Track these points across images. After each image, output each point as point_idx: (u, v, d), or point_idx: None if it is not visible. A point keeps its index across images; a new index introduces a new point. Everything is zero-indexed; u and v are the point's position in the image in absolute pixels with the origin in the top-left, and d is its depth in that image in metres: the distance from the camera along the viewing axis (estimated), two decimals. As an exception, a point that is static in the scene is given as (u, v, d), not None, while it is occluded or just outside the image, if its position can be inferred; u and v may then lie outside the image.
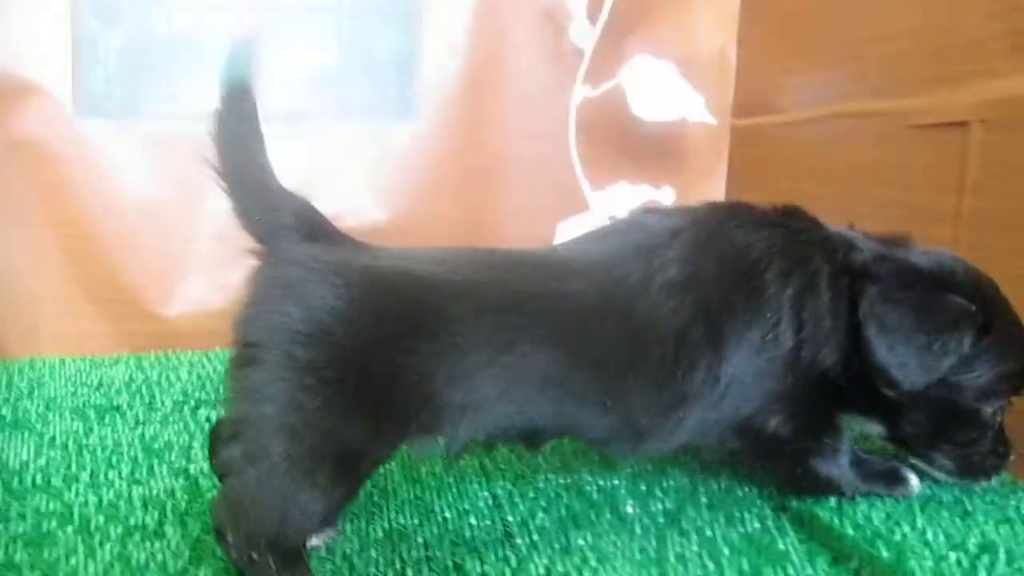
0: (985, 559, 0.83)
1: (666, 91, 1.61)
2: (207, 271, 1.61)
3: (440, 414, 0.83)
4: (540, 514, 0.96)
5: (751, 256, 0.91)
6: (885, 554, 0.84)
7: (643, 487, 1.05)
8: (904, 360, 0.88)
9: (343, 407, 0.78)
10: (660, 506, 1.00)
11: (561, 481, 1.06)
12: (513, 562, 0.86)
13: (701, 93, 1.66)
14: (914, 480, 0.98)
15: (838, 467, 0.96)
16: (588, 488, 1.04)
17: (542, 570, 0.84)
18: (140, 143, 1.58)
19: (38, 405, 1.29)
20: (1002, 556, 0.83)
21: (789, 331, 0.90)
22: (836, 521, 0.91)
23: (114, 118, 1.57)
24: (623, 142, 1.73)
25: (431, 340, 0.81)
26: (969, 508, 0.96)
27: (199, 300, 1.61)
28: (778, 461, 0.98)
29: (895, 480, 0.98)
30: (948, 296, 0.90)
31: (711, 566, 0.86)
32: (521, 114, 1.72)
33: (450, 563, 0.85)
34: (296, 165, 1.64)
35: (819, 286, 0.91)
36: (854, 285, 0.91)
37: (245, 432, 0.77)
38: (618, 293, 0.89)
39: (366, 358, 0.79)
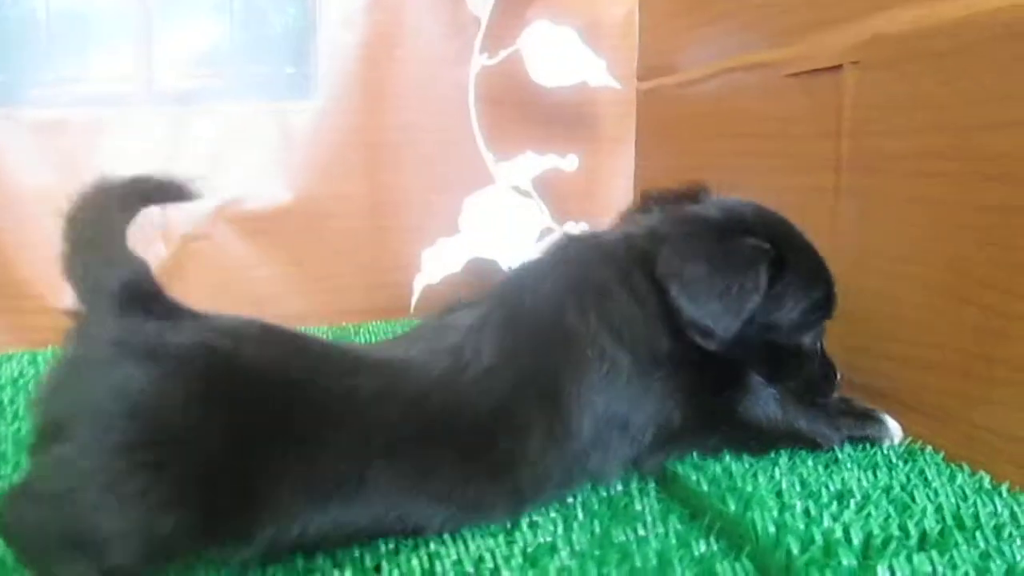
0: (834, 506, 0.81)
1: (565, 56, 1.58)
2: (103, 261, 1.57)
3: (257, 514, 0.75)
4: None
5: (549, 314, 0.89)
6: (732, 507, 0.81)
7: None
8: (709, 310, 0.87)
9: (157, 496, 0.70)
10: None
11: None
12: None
13: (604, 58, 1.62)
14: (891, 422, 0.99)
15: (769, 411, 0.95)
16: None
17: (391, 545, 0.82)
18: (27, 130, 1.54)
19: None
20: (853, 503, 0.81)
21: (616, 349, 0.88)
22: (694, 478, 0.89)
23: (1, 103, 1.53)
24: (526, 111, 1.70)
25: (235, 436, 0.74)
26: (839, 456, 0.94)
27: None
28: (712, 438, 0.96)
29: (867, 419, 0.99)
30: (737, 239, 0.90)
31: (560, 530, 0.84)
32: (422, 87, 1.69)
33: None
34: (194, 147, 1.64)
35: (611, 291, 0.90)
36: (647, 259, 0.90)
37: (54, 504, 0.70)
38: (410, 382, 0.84)
39: (180, 445, 0.72)
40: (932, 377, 0.99)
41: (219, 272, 1.65)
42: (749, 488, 0.85)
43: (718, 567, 0.74)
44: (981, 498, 0.82)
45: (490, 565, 0.78)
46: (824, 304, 0.96)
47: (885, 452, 0.95)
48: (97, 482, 0.69)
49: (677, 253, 0.89)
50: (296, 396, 0.78)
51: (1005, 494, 0.83)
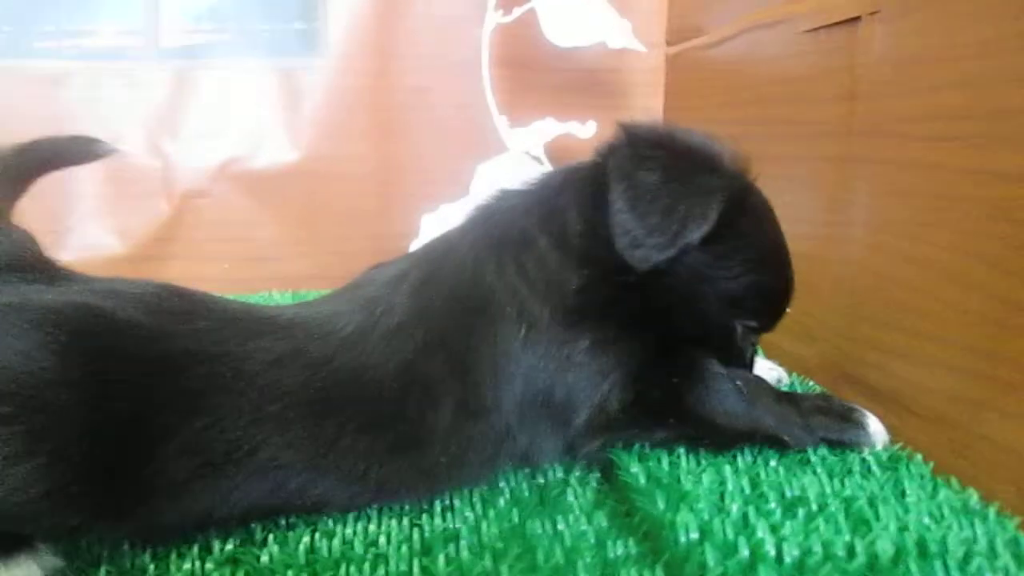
0: (778, 515, 0.69)
1: (584, 15, 1.47)
2: (102, 215, 1.56)
3: (133, 487, 0.68)
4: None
5: (467, 270, 0.81)
6: (661, 506, 0.71)
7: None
8: (648, 222, 0.77)
9: (15, 448, 0.64)
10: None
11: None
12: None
13: (629, 19, 1.51)
14: (875, 425, 0.84)
15: (728, 404, 0.81)
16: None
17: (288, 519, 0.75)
18: (31, 82, 1.53)
19: None
20: (803, 513, 0.69)
21: (534, 302, 0.78)
22: (634, 470, 0.78)
23: (5, 56, 1.52)
24: (545, 74, 1.60)
25: (109, 398, 0.68)
26: (811, 459, 0.82)
27: (94, 245, 1.55)
28: (659, 430, 0.83)
29: (846, 421, 0.84)
30: (703, 166, 0.80)
31: (473, 517, 0.75)
32: (434, 46, 1.60)
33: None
34: (199, 103, 1.60)
35: (533, 238, 0.81)
36: (588, 185, 0.82)
37: None
38: (315, 345, 0.76)
39: (41, 402, 0.66)
40: (930, 375, 0.85)
41: (221, 230, 1.62)
42: (687, 487, 0.74)
43: (623, 573, 0.64)
44: (959, 520, 0.69)
45: (380, 550, 0.71)
46: (769, 297, 0.85)
47: (865, 458, 0.82)
48: None
49: (633, 158, 0.80)
50: (180, 360, 0.71)
51: (990, 517, 0.69)
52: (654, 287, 0.80)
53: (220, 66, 1.59)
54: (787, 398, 0.84)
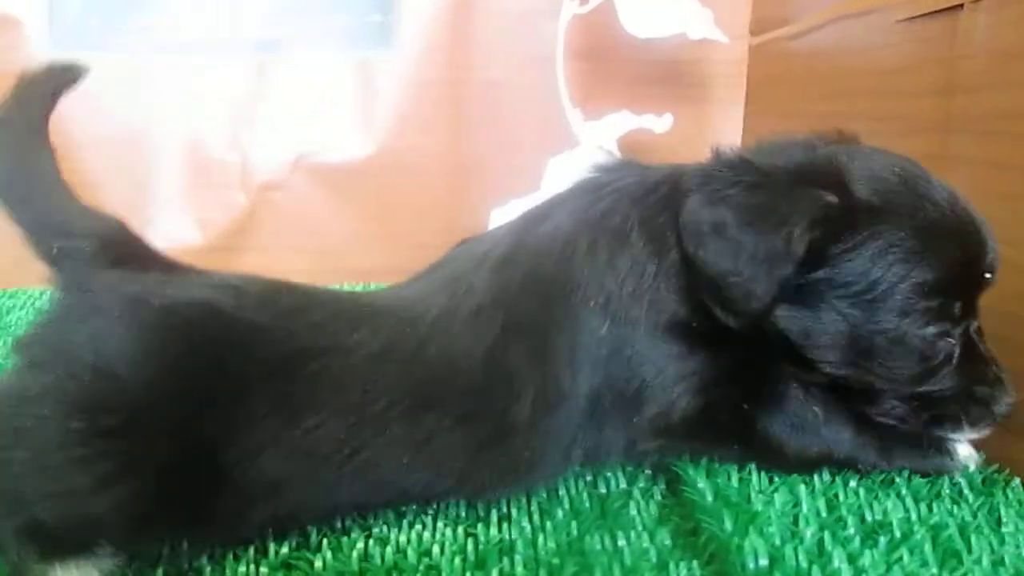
0: (857, 542, 0.64)
1: (664, 5, 1.42)
2: (184, 206, 1.58)
3: (229, 494, 0.67)
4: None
5: (553, 252, 0.77)
6: (729, 527, 0.67)
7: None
8: (735, 267, 0.71)
9: (109, 469, 0.63)
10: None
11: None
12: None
13: (711, 8, 1.45)
14: (964, 452, 0.78)
15: (799, 430, 0.77)
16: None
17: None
18: (117, 74, 1.56)
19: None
20: (884, 542, 0.65)
21: (627, 308, 0.75)
22: (700, 485, 0.74)
23: (91, 49, 1.55)
24: (621, 66, 1.55)
25: (223, 404, 0.67)
26: (895, 479, 0.76)
27: (176, 236, 1.58)
28: (721, 448, 0.79)
29: (930, 448, 0.77)
30: (783, 187, 0.73)
31: (530, 528, 0.73)
32: (508, 38, 1.57)
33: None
34: (276, 97, 1.61)
35: (629, 236, 0.76)
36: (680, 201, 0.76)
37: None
38: (408, 334, 0.74)
39: (147, 416, 0.64)
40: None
41: (296, 222, 1.63)
42: (758, 507, 0.69)
43: (684, 599, 0.61)
44: (1061, 554, 0.63)
45: (432, 560, 0.68)
46: (943, 286, 0.72)
47: (957, 480, 0.76)
48: (45, 433, 0.63)
49: (705, 197, 0.74)
50: (295, 360, 0.70)
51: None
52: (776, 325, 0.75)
53: (297, 59, 1.59)
54: (871, 426, 0.78)
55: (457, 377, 0.73)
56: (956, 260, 0.73)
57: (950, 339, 0.74)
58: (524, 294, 0.76)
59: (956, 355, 0.74)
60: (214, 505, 0.66)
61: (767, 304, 0.73)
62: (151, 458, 0.63)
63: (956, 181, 0.91)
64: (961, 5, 0.92)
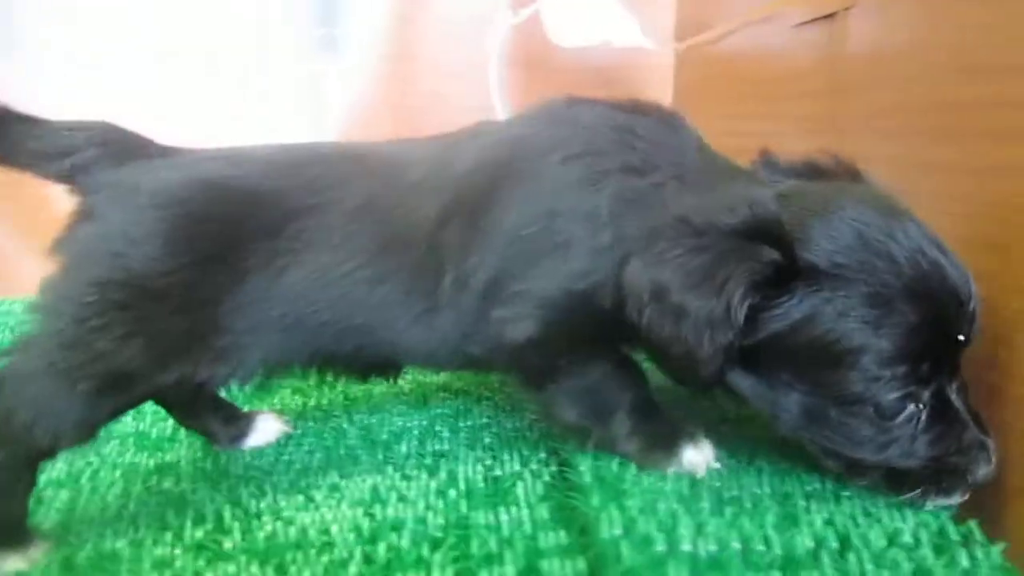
0: (704, 512, 0.70)
1: (589, 14, 1.48)
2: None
3: (227, 343, 0.80)
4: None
5: (525, 148, 0.82)
6: (595, 503, 0.72)
7: (439, 427, 0.98)
8: (677, 333, 0.70)
9: (124, 331, 0.76)
10: (434, 447, 0.93)
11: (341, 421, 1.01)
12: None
13: (639, 16, 1.51)
14: (692, 456, 0.78)
15: (544, 394, 0.83)
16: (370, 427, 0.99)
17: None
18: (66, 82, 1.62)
19: None
20: (729, 511, 0.70)
21: (569, 223, 0.78)
22: (582, 469, 0.80)
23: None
24: (555, 75, 1.62)
25: (218, 268, 0.79)
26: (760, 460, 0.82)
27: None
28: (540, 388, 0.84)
29: (664, 445, 0.79)
30: (726, 247, 0.69)
31: (422, 506, 0.79)
32: (449, 49, 1.64)
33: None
34: (222, 105, 1.67)
35: (597, 184, 0.79)
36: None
37: (27, 337, 0.77)
38: (384, 195, 0.82)
39: (153, 284, 0.77)
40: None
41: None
42: (626, 486, 0.75)
43: (545, 562, 0.66)
44: (891, 513, 0.69)
45: (330, 537, 0.74)
46: (901, 354, 0.67)
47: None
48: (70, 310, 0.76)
49: (647, 260, 0.72)
50: (281, 217, 0.80)
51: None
52: None
53: (243, 68, 1.65)
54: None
55: (411, 247, 0.81)
56: (915, 326, 0.66)
57: (915, 404, 0.69)
58: (476, 174, 0.81)
59: (923, 420, 0.69)
60: (213, 347, 0.79)
61: (716, 371, 0.71)
62: (157, 319, 0.77)
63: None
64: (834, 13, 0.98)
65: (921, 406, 0.69)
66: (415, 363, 0.91)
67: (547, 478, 0.84)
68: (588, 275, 0.78)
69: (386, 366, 0.90)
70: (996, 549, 0.64)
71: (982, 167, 0.73)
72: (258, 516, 0.80)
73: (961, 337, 0.68)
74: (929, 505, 0.70)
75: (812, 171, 0.81)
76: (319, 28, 1.65)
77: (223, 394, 1.00)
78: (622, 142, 0.80)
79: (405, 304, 0.82)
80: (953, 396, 0.70)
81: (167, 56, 1.65)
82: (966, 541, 0.65)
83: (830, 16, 1.00)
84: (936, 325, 0.67)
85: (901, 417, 0.69)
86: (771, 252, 0.68)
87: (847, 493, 0.73)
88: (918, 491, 0.70)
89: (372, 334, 0.83)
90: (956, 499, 0.70)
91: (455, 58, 1.63)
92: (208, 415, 0.97)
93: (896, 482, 0.71)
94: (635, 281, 0.72)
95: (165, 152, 0.85)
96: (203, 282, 0.78)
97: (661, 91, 1.63)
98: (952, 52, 0.78)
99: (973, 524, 0.67)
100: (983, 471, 0.68)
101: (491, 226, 0.79)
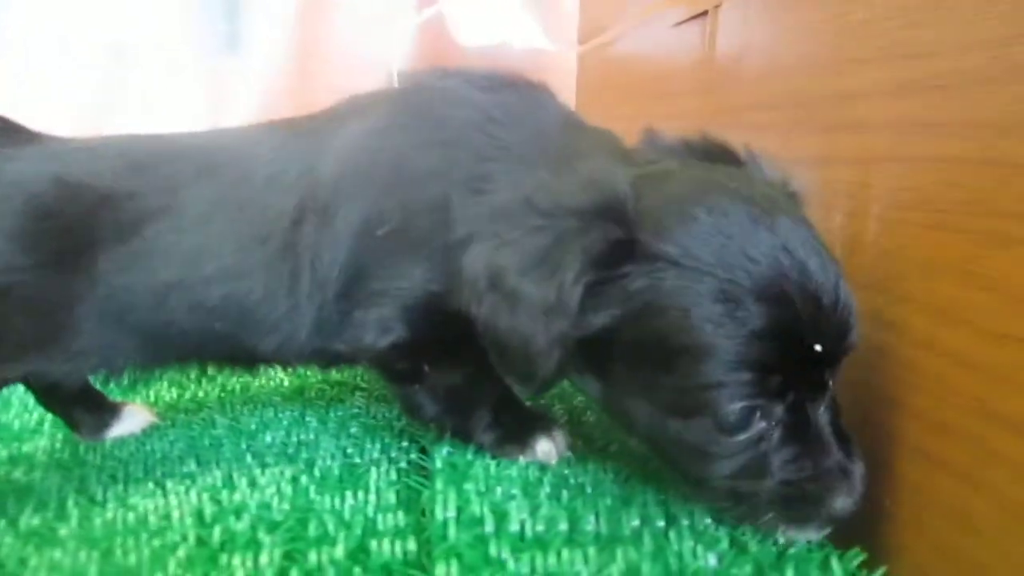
0: (540, 495, 0.70)
1: (490, 15, 1.49)
2: None
3: (84, 344, 0.79)
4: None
5: (379, 147, 0.80)
6: (438, 487, 0.72)
7: (309, 416, 0.97)
8: (511, 323, 0.64)
9: None
10: (299, 437, 0.92)
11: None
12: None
13: (546, 18, 1.53)
14: (545, 447, 0.78)
15: (407, 392, 0.83)
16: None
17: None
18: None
19: None
20: (566, 493, 0.71)
21: (426, 219, 0.76)
22: (435, 456, 0.80)
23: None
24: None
25: (72, 267, 0.77)
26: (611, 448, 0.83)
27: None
28: (402, 385, 0.84)
29: (518, 437, 0.79)
30: (564, 228, 0.63)
31: (270, 492, 0.77)
32: (354, 47, 1.63)
33: None
34: (121, 102, 1.64)
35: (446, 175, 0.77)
36: None
37: None
38: (239, 193, 0.80)
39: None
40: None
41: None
42: (470, 471, 0.75)
43: (374, 542, 0.66)
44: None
45: (169, 522, 0.73)
46: (747, 360, 0.59)
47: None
48: None
49: (486, 246, 0.67)
50: (135, 219, 0.78)
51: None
52: None
53: (144, 63, 1.62)
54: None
55: (267, 246, 0.79)
56: (765, 330, 0.58)
57: (765, 420, 0.61)
58: (328, 170, 0.79)
59: (775, 439, 0.61)
60: (68, 347, 0.78)
61: (555, 368, 0.64)
62: (14, 315, 0.75)
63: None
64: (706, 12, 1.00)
65: (773, 423, 0.61)
66: (283, 363, 0.89)
67: (403, 464, 0.83)
68: (445, 275, 0.73)
69: (253, 363, 0.89)
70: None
71: (829, 157, 0.75)
72: (102, 504, 0.78)
73: (819, 348, 0.59)
74: (781, 538, 0.62)
75: (697, 151, 0.74)
76: (222, 24, 1.63)
77: (94, 383, 0.98)
78: (477, 127, 0.78)
79: (265, 307, 0.80)
80: (815, 415, 0.61)
81: (70, 49, 1.62)
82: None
83: (703, 15, 1.02)
84: (791, 332, 0.59)
85: (746, 433, 0.61)
86: (614, 230, 0.61)
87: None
88: (769, 517, 0.61)
89: (234, 338, 0.81)
90: (813, 533, 0.62)
91: (360, 56, 1.63)
92: (71, 403, 0.95)
93: (745, 506, 0.63)
94: (472, 267, 0.66)
95: (32, 139, 0.83)
96: (53, 283, 0.76)
97: (565, 92, 1.64)
98: (801, 49, 0.80)
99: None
100: (841, 502, 0.60)
101: (345, 223, 0.78)
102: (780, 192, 0.67)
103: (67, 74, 1.62)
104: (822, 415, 0.62)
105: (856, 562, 0.60)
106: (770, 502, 0.61)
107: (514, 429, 0.80)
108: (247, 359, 0.88)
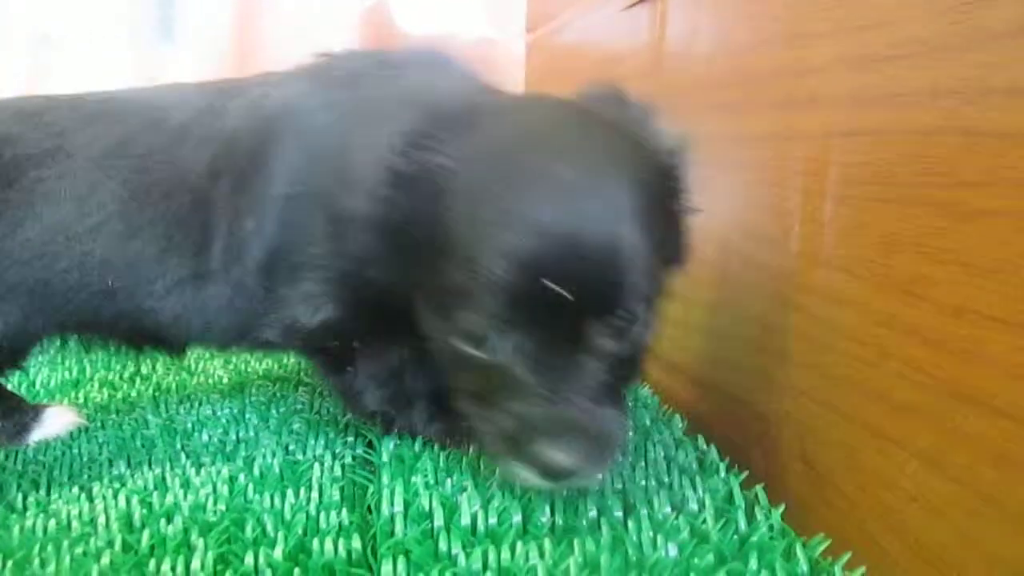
0: (491, 487, 0.67)
1: (437, 2, 1.46)
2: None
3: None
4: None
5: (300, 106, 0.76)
6: (385, 481, 0.69)
7: (249, 414, 0.92)
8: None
9: None
10: (238, 435, 0.87)
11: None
12: None
13: (494, 7, 1.50)
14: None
15: (344, 381, 0.79)
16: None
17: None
18: None
19: None
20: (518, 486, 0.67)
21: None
22: (381, 449, 0.76)
23: None
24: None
25: None
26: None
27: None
28: (329, 367, 0.80)
29: (464, 430, 0.75)
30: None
31: (204, 493, 0.73)
32: (298, 33, 1.58)
33: None
34: (58, 88, 1.56)
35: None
36: None
37: None
38: (141, 139, 0.75)
39: None
40: (695, 337, 0.84)
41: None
42: (417, 464, 0.72)
43: (315, 541, 0.62)
44: (692, 480, 0.67)
45: (95, 527, 0.68)
46: (487, 288, 0.56)
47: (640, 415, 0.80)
48: None
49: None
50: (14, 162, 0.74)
51: (719, 473, 0.68)
52: None
53: (75, 50, 1.55)
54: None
55: (171, 199, 0.74)
56: (512, 263, 0.55)
57: (501, 348, 0.58)
58: (247, 129, 0.75)
59: (510, 374, 0.58)
60: None
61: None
62: None
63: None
64: (657, -7, 0.98)
65: (509, 354, 0.57)
66: (191, 340, 0.82)
67: (348, 460, 0.79)
68: (367, 249, 0.68)
69: (158, 340, 0.82)
70: (777, 512, 0.63)
71: (785, 133, 0.73)
72: (22, 511, 0.73)
73: (570, 296, 0.54)
74: (522, 476, 0.58)
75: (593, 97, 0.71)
76: (155, 11, 1.57)
77: (7, 385, 0.92)
78: (379, 93, 0.75)
79: (160, 264, 0.75)
80: (566, 362, 0.57)
81: (3, 39, 1.54)
82: (750, 506, 0.64)
83: (652, -2, 1.00)
84: (536, 268, 0.55)
85: (479, 351, 0.59)
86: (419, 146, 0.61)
87: (642, 463, 0.71)
88: (498, 447, 0.59)
89: (128, 300, 0.76)
90: (538, 479, 0.57)
91: (303, 41, 1.57)
92: None
93: (486, 432, 0.61)
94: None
95: None
96: None
97: (513, 80, 1.61)
98: (752, 24, 0.78)
99: (759, 488, 0.66)
100: (549, 452, 0.55)
101: (264, 189, 0.73)
102: (643, 147, 0.64)
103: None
104: (581, 367, 0.58)
105: (820, 549, 0.58)
106: (499, 433, 0.59)
107: (461, 420, 0.76)
108: (149, 333, 0.81)
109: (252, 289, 0.75)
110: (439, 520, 0.61)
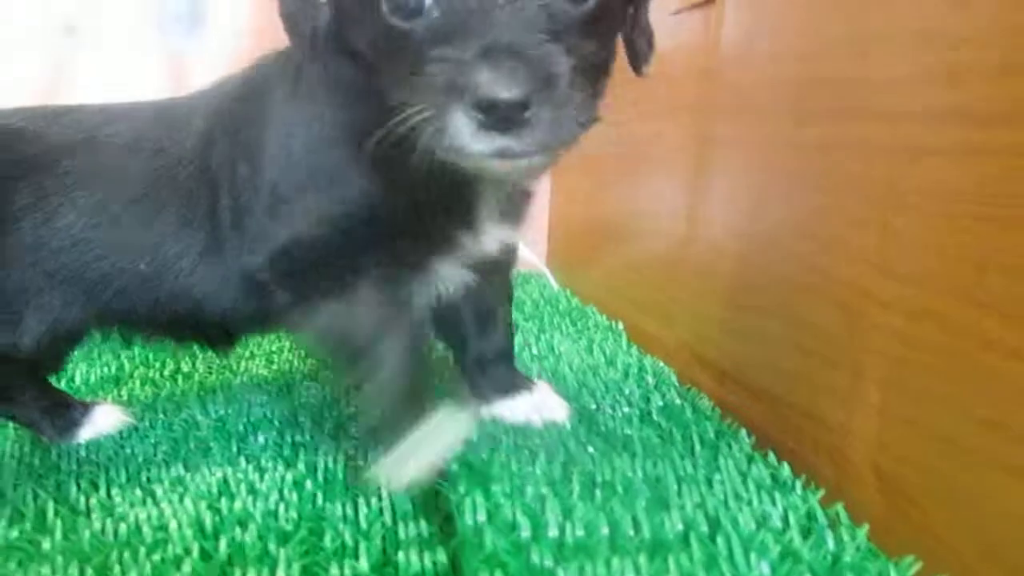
0: (572, 496, 0.67)
1: None
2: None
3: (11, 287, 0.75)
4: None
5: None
6: (461, 490, 0.68)
7: (302, 417, 0.92)
8: None
9: None
10: (294, 438, 0.87)
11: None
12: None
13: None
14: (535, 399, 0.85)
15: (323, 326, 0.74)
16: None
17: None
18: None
19: None
20: (599, 495, 0.67)
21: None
22: (460, 456, 0.75)
23: None
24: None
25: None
26: (636, 439, 0.80)
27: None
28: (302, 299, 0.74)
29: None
30: None
31: (273, 499, 0.72)
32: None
33: None
34: (81, 85, 1.54)
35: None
36: None
37: None
38: (156, 128, 0.78)
39: None
40: (761, 350, 0.84)
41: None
42: (493, 471, 0.71)
43: (401, 554, 0.61)
44: (760, 495, 0.67)
45: (167, 534, 0.67)
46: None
47: (692, 435, 0.80)
48: None
49: None
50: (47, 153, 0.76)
51: (796, 490, 0.68)
52: None
53: (104, 43, 1.53)
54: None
55: (180, 171, 0.76)
56: None
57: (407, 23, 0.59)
58: (235, 93, 0.77)
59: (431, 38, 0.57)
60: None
61: None
62: None
63: (721, 158, 0.98)
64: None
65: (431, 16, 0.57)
66: (226, 321, 0.80)
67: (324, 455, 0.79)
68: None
69: (197, 327, 0.82)
70: (862, 531, 0.63)
71: (831, 144, 0.73)
72: (87, 513, 0.72)
73: None
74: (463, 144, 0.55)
75: None
76: (180, 3, 1.55)
77: (54, 381, 0.91)
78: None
79: (183, 238, 0.76)
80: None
81: (28, 29, 1.52)
82: (833, 524, 0.64)
83: (708, 3, 0.99)
84: None
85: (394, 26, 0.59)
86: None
87: (719, 477, 0.71)
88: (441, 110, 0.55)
89: (161, 282, 0.76)
90: (477, 133, 0.54)
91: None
92: (26, 402, 0.87)
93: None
94: None
95: None
96: None
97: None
98: (805, 33, 0.78)
99: (840, 507, 0.66)
100: (493, 77, 0.52)
101: (256, 141, 0.73)
102: None
103: (23, 54, 1.52)
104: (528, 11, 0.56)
105: (911, 572, 0.58)
106: (436, 91, 0.55)
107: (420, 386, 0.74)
108: (187, 319, 0.80)
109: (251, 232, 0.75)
110: (526, 531, 0.61)
